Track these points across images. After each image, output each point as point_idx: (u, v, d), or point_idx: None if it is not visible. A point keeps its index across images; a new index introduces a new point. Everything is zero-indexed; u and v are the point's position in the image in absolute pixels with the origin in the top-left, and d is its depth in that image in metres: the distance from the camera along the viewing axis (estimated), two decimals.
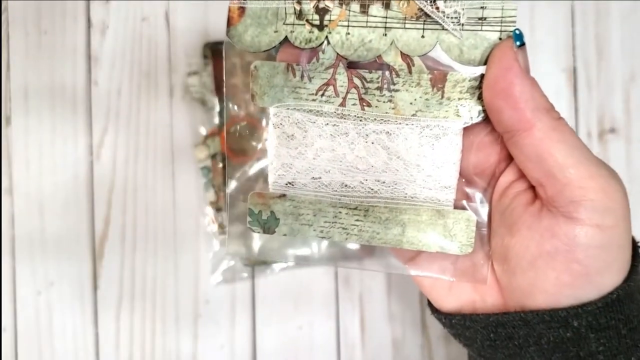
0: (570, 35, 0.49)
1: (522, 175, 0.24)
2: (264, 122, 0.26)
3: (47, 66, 0.48)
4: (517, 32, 0.22)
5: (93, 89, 0.48)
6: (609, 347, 0.22)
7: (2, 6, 0.48)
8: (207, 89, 0.47)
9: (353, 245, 0.30)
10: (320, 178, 0.24)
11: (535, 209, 0.23)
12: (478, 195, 0.25)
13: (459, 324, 0.25)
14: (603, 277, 0.22)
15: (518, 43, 0.22)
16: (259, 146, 0.28)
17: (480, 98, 0.23)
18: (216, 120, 0.47)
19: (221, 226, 0.47)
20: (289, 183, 0.25)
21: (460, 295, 0.25)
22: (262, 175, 0.29)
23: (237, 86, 0.42)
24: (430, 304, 0.27)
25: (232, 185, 0.29)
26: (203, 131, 0.48)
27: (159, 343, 0.48)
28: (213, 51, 0.47)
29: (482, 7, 0.22)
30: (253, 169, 0.31)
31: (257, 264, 0.47)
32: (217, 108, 0.47)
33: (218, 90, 0.47)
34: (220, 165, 0.47)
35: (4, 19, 0.48)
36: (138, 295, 0.48)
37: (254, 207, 0.26)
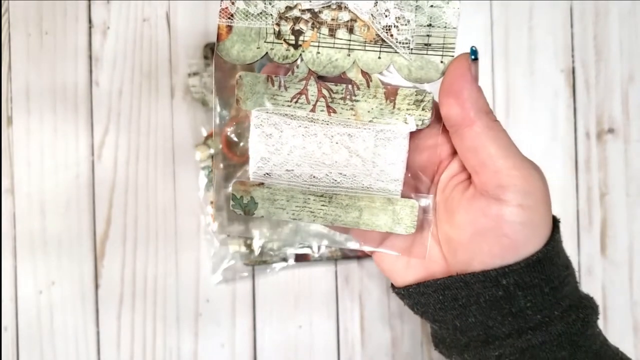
0: (569, 36, 0.49)
1: (460, 171, 0.29)
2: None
3: (49, 67, 0.48)
4: (473, 48, 0.27)
5: (94, 89, 0.48)
6: (534, 303, 0.27)
7: (3, 7, 0.49)
8: (207, 89, 0.47)
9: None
10: (292, 170, 0.29)
11: (470, 194, 0.27)
12: (424, 188, 0.30)
13: (415, 292, 0.29)
14: (527, 248, 0.26)
15: (473, 57, 0.27)
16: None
17: (424, 109, 0.28)
18: (217, 120, 0.47)
19: (221, 225, 0.48)
20: (267, 174, 0.29)
21: (415, 273, 0.30)
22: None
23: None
24: (392, 285, 0.31)
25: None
26: (204, 131, 0.48)
27: (160, 342, 0.48)
28: (214, 52, 0.47)
29: (427, 35, 0.27)
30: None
31: (257, 263, 0.47)
32: (218, 108, 0.47)
33: (218, 90, 0.47)
34: (221, 165, 0.47)
35: (5, 19, 0.49)
36: (139, 294, 0.48)
37: (237, 193, 0.30)
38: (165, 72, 0.48)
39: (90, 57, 0.49)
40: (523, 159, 0.27)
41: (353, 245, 0.31)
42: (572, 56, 0.49)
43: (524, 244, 0.26)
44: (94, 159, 0.48)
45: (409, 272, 0.30)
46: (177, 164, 0.48)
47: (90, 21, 0.49)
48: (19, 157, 0.48)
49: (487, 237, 0.27)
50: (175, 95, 0.48)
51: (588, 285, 0.48)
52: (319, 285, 0.48)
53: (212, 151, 0.48)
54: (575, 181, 0.48)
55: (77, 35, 0.48)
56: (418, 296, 0.29)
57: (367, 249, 0.31)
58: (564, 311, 0.27)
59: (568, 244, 0.27)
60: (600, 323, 0.29)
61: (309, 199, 0.29)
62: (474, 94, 0.26)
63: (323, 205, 0.29)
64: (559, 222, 0.28)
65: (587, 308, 0.28)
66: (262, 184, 0.30)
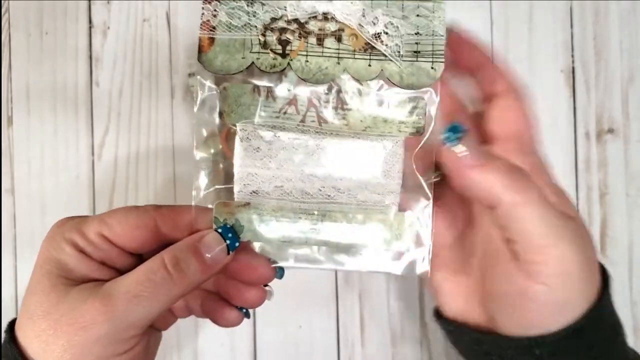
0: (569, 36, 0.49)
1: None
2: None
3: (49, 67, 0.48)
4: (446, 134, 0.25)
5: (94, 89, 0.48)
6: None
7: (3, 7, 0.49)
8: None
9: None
10: (282, 186, 0.27)
11: (508, 257, 0.25)
12: (422, 201, 0.28)
13: (456, 330, 0.28)
14: (559, 320, 0.24)
15: (453, 140, 0.25)
16: None
17: (418, 116, 0.27)
18: (217, 120, 0.47)
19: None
20: (254, 192, 0.28)
21: (464, 294, 0.29)
22: None
23: None
24: (435, 312, 0.30)
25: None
26: (204, 131, 0.48)
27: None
28: None
29: (416, 43, 0.27)
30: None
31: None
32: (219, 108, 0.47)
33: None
34: (221, 165, 0.47)
35: (5, 19, 0.49)
36: None
37: (220, 216, 0.28)
38: (166, 72, 0.48)
39: (90, 57, 0.49)
40: (559, 233, 0.24)
41: (355, 266, 0.29)
42: (572, 56, 0.49)
43: (551, 319, 0.24)
44: (94, 159, 0.48)
45: (459, 294, 0.28)
46: (177, 164, 0.48)
47: (90, 21, 0.49)
48: (19, 157, 0.48)
49: (513, 306, 0.25)
50: (175, 95, 0.48)
51: None
52: (319, 285, 0.48)
53: (212, 151, 0.48)
54: (575, 181, 0.48)
55: (77, 36, 0.48)
56: (456, 334, 0.28)
57: (366, 269, 0.29)
58: None
59: None
60: None
61: (299, 217, 0.28)
62: (483, 179, 0.24)
63: (315, 224, 0.28)
64: (609, 278, 0.26)
65: None
66: (248, 204, 0.28)
